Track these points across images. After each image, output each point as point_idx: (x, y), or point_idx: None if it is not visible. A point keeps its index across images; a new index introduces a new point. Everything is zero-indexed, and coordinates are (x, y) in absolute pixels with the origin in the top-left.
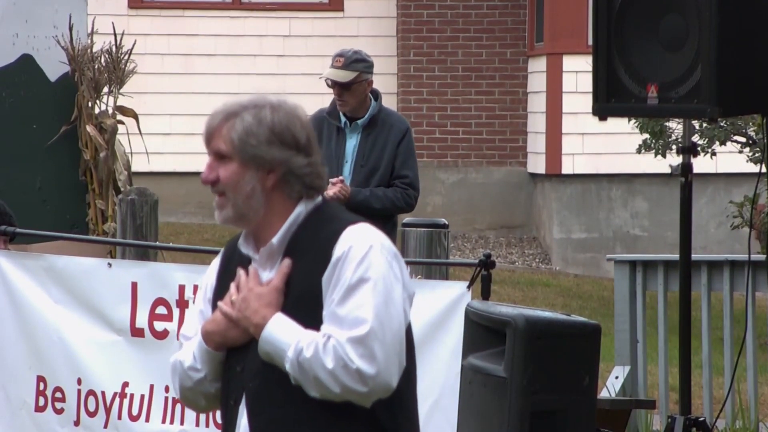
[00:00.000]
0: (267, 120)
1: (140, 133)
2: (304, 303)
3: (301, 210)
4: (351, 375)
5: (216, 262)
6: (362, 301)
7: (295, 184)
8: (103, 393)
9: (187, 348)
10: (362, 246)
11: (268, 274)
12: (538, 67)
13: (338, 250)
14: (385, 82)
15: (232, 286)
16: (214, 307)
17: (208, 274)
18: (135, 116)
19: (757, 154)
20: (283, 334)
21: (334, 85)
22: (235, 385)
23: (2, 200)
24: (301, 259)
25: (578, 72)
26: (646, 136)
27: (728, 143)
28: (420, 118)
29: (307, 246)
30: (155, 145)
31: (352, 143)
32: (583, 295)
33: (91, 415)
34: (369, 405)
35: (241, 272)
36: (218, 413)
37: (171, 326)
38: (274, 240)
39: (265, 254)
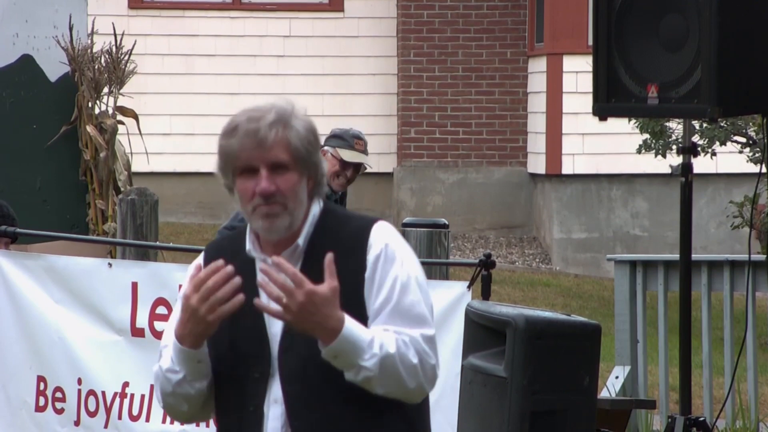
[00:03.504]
0: (309, 125)
1: (140, 133)
2: (345, 303)
3: (315, 210)
4: (428, 371)
5: (198, 269)
6: (416, 298)
7: (321, 187)
8: (103, 393)
9: (165, 354)
10: (398, 244)
11: (284, 278)
12: (538, 67)
13: (375, 248)
14: (385, 82)
15: (268, 288)
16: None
17: (187, 283)
18: (135, 116)
19: (757, 154)
20: (360, 332)
21: (349, 166)
22: (254, 391)
23: (4, 201)
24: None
25: (578, 72)
26: (646, 136)
27: (728, 143)
28: (420, 118)
29: (331, 244)
30: (155, 146)
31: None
32: (583, 295)
33: (92, 415)
34: (417, 401)
35: (281, 275)
36: None
37: None
38: (300, 241)
39: (287, 256)
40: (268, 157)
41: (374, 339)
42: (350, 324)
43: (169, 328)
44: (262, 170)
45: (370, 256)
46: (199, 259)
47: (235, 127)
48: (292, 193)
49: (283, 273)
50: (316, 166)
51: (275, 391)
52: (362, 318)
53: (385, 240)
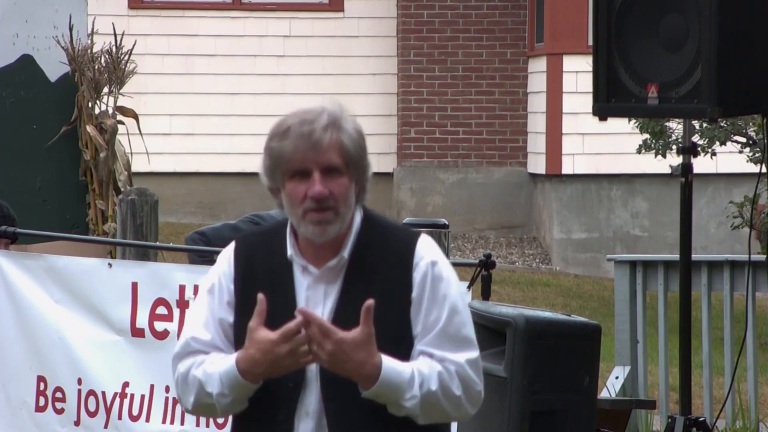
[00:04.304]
0: (359, 128)
1: (140, 133)
2: (391, 324)
3: (358, 217)
4: (473, 398)
5: (228, 263)
6: (464, 320)
7: (365, 193)
8: (103, 393)
9: (209, 368)
10: (442, 262)
11: (324, 287)
12: (538, 67)
13: (421, 266)
14: (385, 82)
15: (282, 330)
16: (240, 316)
17: (219, 276)
18: (135, 116)
19: (757, 154)
20: (397, 375)
21: None
22: (287, 401)
23: (4, 201)
24: (375, 272)
25: (578, 72)
26: (647, 136)
27: (728, 143)
28: (420, 118)
29: (375, 258)
30: (155, 146)
31: None
32: (583, 295)
33: (92, 415)
34: (462, 422)
35: (307, 316)
36: None
37: (171, 326)
38: (345, 253)
39: (331, 267)
40: (322, 160)
41: (414, 378)
42: (388, 367)
43: (203, 324)
44: (315, 173)
45: (417, 275)
46: (230, 253)
47: (287, 129)
48: (343, 197)
49: (312, 323)
50: (365, 170)
51: (307, 404)
52: (408, 337)
53: (430, 257)
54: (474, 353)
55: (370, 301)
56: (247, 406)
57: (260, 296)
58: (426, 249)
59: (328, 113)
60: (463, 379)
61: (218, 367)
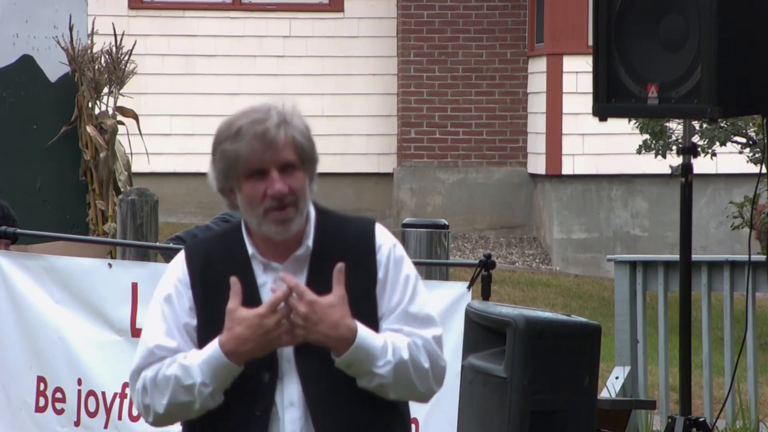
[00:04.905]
0: (305, 122)
1: (140, 133)
2: (359, 304)
3: (311, 209)
4: (439, 372)
5: (182, 270)
6: (424, 300)
7: (314, 184)
8: (103, 393)
9: (185, 362)
10: (399, 246)
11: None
12: (538, 67)
13: (383, 249)
14: (385, 82)
15: (269, 301)
16: (203, 320)
17: (175, 284)
18: (135, 117)
19: (757, 155)
20: (373, 339)
21: None
22: (262, 395)
23: (4, 201)
24: (338, 257)
25: (578, 72)
26: (647, 136)
27: (728, 144)
28: (420, 119)
29: (337, 247)
30: (155, 146)
31: None
32: (583, 295)
33: (92, 415)
34: (426, 402)
35: (286, 285)
36: None
37: None
38: (310, 242)
39: (295, 260)
40: (279, 158)
41: (387, 345)
42: (363, 332)
43: (168, 333)
44: (273, 172)
45: (381, 257)
46: (181, 261)
47: (239, 130)
48: (302, 192)
49: (288, 287)
50: (315, 163)
51: (289, 394)
52: (375, 318)
53: (391, 241)
54: (438, 330)
55: (341, 264)
56: (223, 401)
57: (233, 278)
58: (384, 234)
59: (276, 111)
60: (429, 353)
61: (195, 358)
